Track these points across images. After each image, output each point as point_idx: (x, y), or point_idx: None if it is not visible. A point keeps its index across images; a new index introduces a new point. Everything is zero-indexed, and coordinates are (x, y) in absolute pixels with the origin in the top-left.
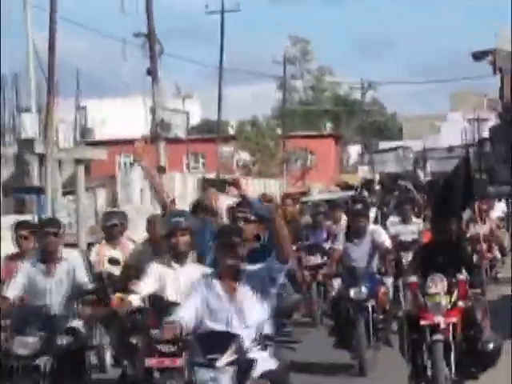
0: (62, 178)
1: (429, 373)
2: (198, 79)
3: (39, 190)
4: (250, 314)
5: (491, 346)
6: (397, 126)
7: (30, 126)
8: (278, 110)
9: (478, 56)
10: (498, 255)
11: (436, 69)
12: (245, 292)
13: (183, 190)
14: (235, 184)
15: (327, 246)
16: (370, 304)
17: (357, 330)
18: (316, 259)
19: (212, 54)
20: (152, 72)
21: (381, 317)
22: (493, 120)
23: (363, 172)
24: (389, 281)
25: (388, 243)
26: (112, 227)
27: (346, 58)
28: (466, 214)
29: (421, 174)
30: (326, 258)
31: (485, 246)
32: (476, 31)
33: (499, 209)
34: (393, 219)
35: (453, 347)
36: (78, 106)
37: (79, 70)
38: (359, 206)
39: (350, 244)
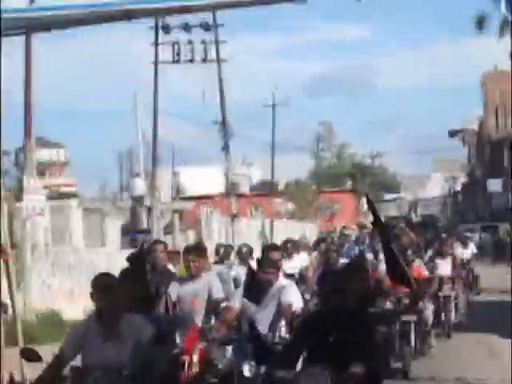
0: (164, 222)
1: None
2: (257, 152)
3: (147, 231)
4: None
5: None
6: (396, 183)
7: (139, 186)
8: (313, 173)
9: (452, 133)
10: (461, 293)
11: (423, 142)
12: None
13: (248, 230)
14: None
15: None
16: None
17: None
18: None
19: (267, 133)
20: (225, 148)
21: None
22: (463, 178)
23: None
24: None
25: (298, 305)
26: None
27: (359, 134)
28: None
29: (413, 215)
30: None
31: (449, 284)
32: (451, 115)
33: (470, 248)
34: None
35: None
36: (174, 171)
37: (176, 147)
38: (271, 255)
39: (252, 303)
